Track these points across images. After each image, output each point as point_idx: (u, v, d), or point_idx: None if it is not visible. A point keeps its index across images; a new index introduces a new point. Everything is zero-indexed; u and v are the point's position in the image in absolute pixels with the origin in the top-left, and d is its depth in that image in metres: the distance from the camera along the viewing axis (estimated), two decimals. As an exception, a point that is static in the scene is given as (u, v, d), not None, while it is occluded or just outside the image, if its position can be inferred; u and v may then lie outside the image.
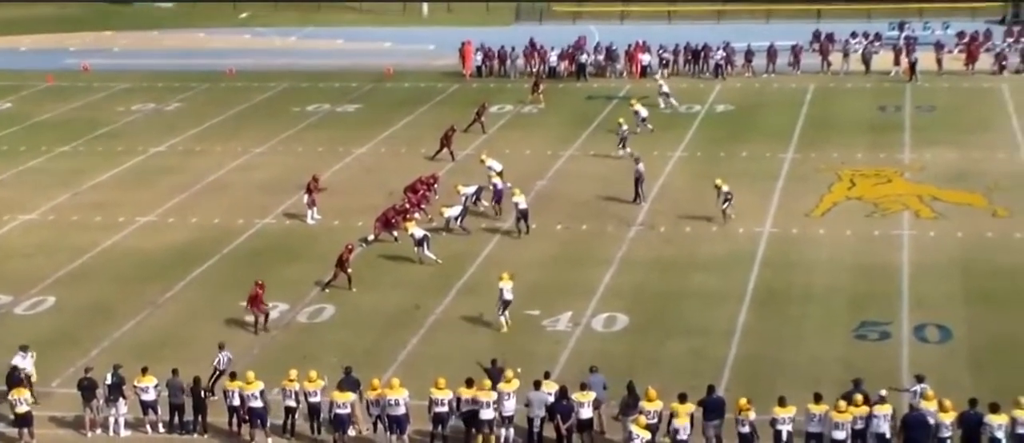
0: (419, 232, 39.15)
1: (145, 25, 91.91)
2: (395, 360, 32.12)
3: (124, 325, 34.98)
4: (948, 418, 25.71)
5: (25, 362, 30.10)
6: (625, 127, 49.55)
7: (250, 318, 34.37)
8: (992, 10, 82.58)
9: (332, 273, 37.20)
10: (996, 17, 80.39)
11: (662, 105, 55.30)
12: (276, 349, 32.07)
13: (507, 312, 33.76)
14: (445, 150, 50.24)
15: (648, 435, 25.84)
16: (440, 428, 27.71)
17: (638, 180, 44.01)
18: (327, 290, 36.99)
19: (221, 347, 30.66)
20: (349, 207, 44.15)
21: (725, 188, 41.44)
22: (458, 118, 54.69)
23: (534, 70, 66.72)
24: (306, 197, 43.33)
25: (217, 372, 29.89)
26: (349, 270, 37.05)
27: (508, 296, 33.67)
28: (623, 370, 29.89)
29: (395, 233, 40.46)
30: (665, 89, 57.74)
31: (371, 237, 40.81)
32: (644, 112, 53.84)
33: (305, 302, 36.35)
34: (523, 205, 41.32)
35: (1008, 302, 34.44)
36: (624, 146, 48.88)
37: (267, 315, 34.30)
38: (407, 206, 41.96)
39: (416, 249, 38.93)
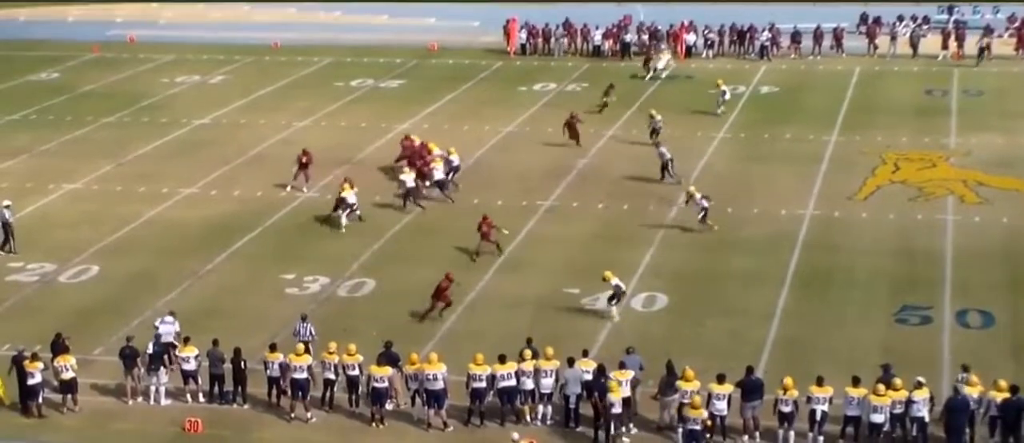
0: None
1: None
2: (434, 335, 32.21)
3: (166, 295, 35.22)
4: (999, 397, 25.64)
5: (168, 328, 30.48)
6: (658, 118, 48.70)
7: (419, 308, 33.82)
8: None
9: (475, 248, 37.78)
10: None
11: (719, 110, 53.91)
12: (316, 322, 32.18)
13: (617, 304, 33.16)
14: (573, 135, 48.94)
15: (704, 414, 25.88)
16: (477, 403, 27.80)
17: (665, 166, 43.81)
18: (475, 259, 37.51)
19: (304, 318, 30.76)
20: (390, 185, 44.11)
21: (698, 196, 39.36)
22: (498, 95, 54.49)
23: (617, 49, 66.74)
24: (296, 170, 43.93)
25: (305, 344, 29.52)
26: (493, 238, 37.74)
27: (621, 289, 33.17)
28: (661, 350, 29.87)
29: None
30: (726, 95, 55.52)
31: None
32: (727, 94, 53.67)
33: (346, 276, 36.48)
34: (439, 175, 42.41)
35: (1052, 289, 34.20)
36: (656, 136, 47.86)
37: (448, 304, 33.80)
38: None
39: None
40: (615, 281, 32.93)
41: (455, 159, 43.83)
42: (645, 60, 62.29)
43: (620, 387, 26.97)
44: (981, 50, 62.48)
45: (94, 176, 46.67)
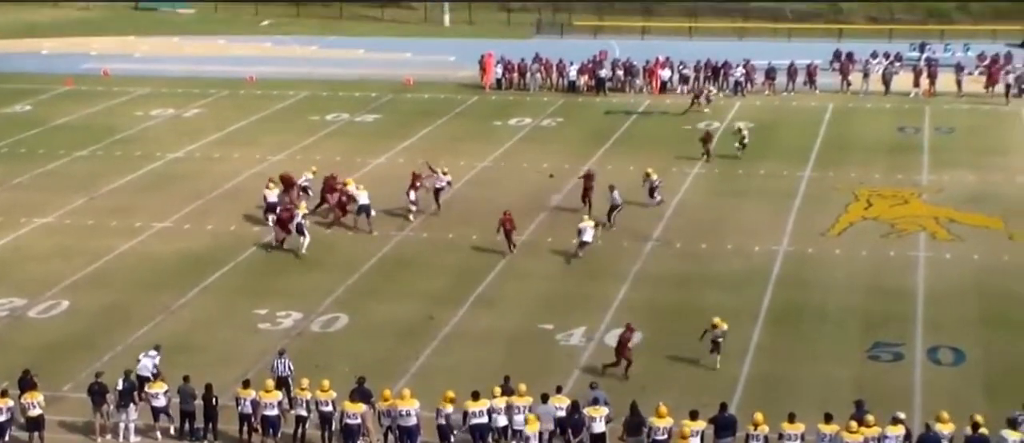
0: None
1: (166, 31, 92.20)
2: (407, 371, 32.12)
3: (138, 330, 35.04)
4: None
5: (147, 362, 30.20)
6: (655, 178, 46.69)
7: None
8: (1014, 33, 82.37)
9: (508, 244, 40.44)
10: (1017, 40, 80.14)
11: (738, 147, 53.80)
12: (289, 358, 32.01)
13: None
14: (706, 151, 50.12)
15: None
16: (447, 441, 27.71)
17: (612, 209, 43.05)
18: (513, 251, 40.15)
19: (281, 353, 30.56)
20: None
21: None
22: (473, 129, 54.69)
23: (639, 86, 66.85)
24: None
25: (276, 379, 29.53)
26: (514, 237, 40.58)
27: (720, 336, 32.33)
28: (635, 386, 29.88)
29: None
30: (746, 137, 53.60)
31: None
32: (745, 133, 53.05)
33: (319, 311, 36.39)
34: (364, 200, 43.05)
35: (1023, 326, 34.28)
36: (653, 195, 46.05)
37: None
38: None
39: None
40: (725, 327, 32.14)
41: (363, 196, 43.69)
42: (695, 96, 61.59)
43: (595, 423, 26.98)
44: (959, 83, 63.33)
45: (66, 209, 46.47)
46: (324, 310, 36.53)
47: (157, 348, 31.06)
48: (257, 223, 44.03)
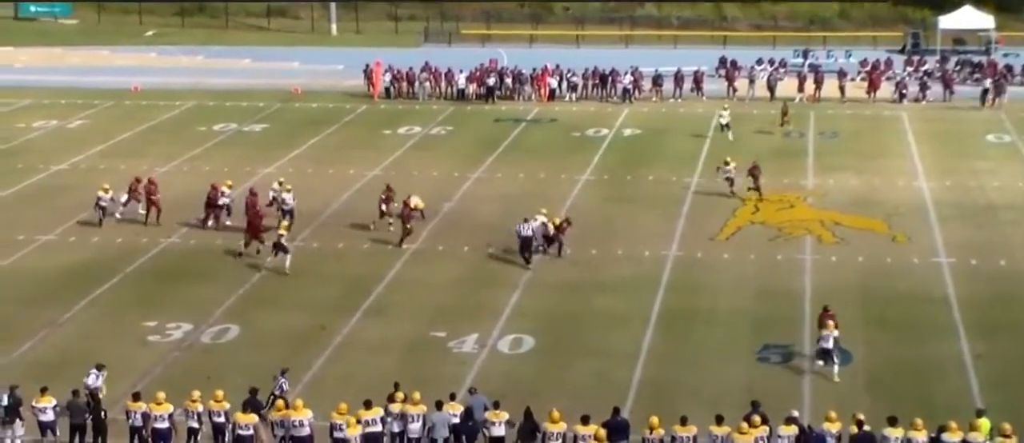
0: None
1: (48, 41, 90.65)
2: (300, 381, 31.87)
3: (22, 345, 34.33)
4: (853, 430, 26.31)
5: (96, 381, 29.46)
6: (731, 165, 47.48)
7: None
8: (893, 39, 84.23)
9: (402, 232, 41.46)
10: (896, 46, 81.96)
11: (730, 136, 55.22)
12: (179, 370, 31.66)
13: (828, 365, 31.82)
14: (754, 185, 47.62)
15: None
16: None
17: (526, 242, 40.19)
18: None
19: (283, 372, 29.77)
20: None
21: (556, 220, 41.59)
22: (363, 138, 54.57)
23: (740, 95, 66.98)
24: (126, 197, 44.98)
25: (273, 396, 28.87)
26: (409, 225, 41.62)
27: (828, 344, 31.77)
28: (529, 392, 29.97)
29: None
30: (726, 121, 56.66)
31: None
32: (725, 119, 56.22)
33: (210, 322, 35.98)
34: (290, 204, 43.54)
35: (906, 326, 35.00)
36: (731, 185, 46.69)
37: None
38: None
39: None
40: (833, 335, 31.73)
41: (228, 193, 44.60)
42: (783, 112, 59.99)
43: (495, 427, 27.09)
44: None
45: (-53, 223, 45.47)
46: (215, 321, 36.12)
47: (100, 366, 30.22)
48: (145, 235, 43.43)
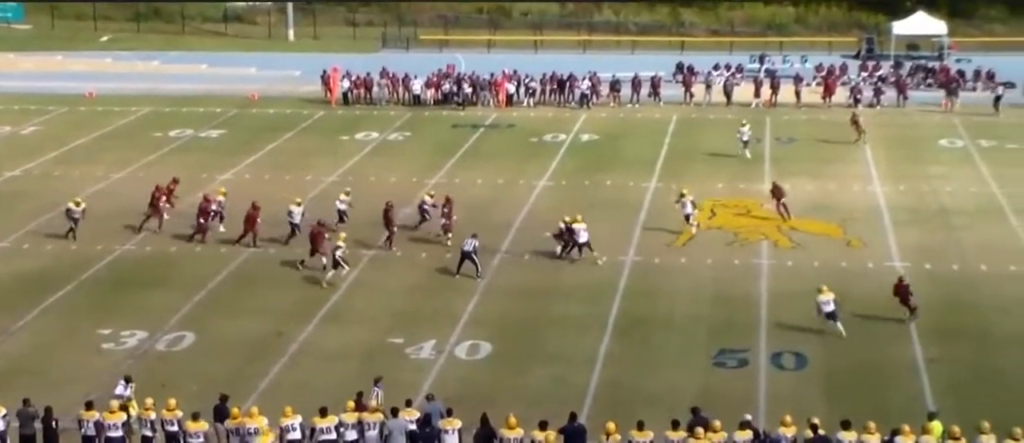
0: None
1: (0, 47, 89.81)
2: (256, 389, 31.72)
3: (-25, 353, 34.06)
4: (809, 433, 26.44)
5: (125, 390, 29.24)
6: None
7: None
8: (848, 45, 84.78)
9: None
10: (851, 52, 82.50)
11: (748, 154, 54.77)
12: (134, 378, 31.32)
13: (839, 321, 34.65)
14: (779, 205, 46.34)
15: None
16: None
17: (465, 256, 39.77)
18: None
19: (377, 381, 29.45)
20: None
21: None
22: (320, 144, 54.40)
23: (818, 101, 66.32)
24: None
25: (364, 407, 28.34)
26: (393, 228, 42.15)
27: (830, 308, 34.73)
28: (486, 398, 29.93)
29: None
30: (746, 138, 55.31)
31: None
32: (746, 136, 54.94)
33: (165, 330, 35.73)
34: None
35: (860, 330, 35.16)
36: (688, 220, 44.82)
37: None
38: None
39: None
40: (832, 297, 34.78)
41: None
42: (854, 121, 58.16)
43: (448, 435, 26.99)
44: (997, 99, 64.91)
45: (-102, 231, 44.97)
46: (170, 328, 35.88)
47: (128, 379, 29.89)
48: (99, 241, 43.12)
